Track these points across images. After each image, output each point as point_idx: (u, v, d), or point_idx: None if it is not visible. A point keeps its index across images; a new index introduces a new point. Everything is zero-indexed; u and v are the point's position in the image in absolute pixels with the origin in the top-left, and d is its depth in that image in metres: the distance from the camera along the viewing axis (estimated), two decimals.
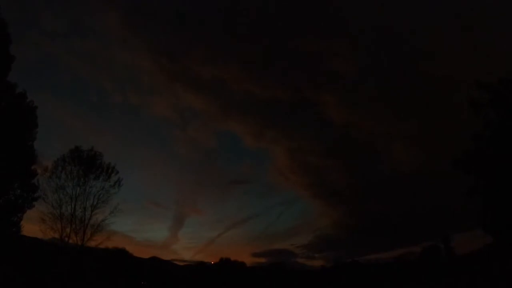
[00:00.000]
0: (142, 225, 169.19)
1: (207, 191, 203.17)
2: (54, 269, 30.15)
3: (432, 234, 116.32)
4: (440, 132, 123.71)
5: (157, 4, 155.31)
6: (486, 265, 37.98)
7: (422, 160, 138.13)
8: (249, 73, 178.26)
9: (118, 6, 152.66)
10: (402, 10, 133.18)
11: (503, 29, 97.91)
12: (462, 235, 72.84)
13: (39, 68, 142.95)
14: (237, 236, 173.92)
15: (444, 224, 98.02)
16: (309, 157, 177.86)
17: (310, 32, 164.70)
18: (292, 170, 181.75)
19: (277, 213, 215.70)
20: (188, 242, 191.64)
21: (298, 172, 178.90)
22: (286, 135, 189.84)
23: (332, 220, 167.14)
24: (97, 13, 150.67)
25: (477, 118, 23.71)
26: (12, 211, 20.20)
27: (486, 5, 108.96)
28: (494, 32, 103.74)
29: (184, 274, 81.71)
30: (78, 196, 31.65)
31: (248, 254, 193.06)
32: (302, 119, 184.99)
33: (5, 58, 19.43)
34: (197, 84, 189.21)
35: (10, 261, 24.24)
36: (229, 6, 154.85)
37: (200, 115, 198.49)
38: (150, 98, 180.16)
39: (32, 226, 29.51)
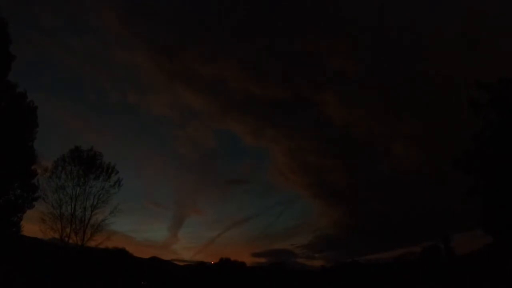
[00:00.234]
0: (142, 225, 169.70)
1: (206, 191, 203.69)
2: (54, 269, 30.13)
3: (432, 234, 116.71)
4: (440, 132, 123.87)
5: (156, 3, 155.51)
6: (486, 265, 37.97)
7: (422, 160, 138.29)
8: (249, 72, 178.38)
9: (117, 5, 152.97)
10: (403, 10, 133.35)
11: (503, 29, 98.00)
12: (462, 235, 72.86)
13: (38, 67, 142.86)
14: (237, 236, 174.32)
15: (444, 224, 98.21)
16: (309, 157, 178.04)
17: (310, 32, 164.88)
18: (292, 170, 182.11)
19: (277, 213, 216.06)
20: (188, 242, 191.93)
21: (298, 172, 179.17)
22: (286, 135, 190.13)
23: (332, 220, 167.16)
24: (96, 12, 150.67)
25: (477, 118, 23.73)
26: (12, 211, 20.20)
27: (486, 5, 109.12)
28: (494, 32, 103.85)
29: (184, 274, 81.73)
30: (78, 196, 31.70)
31: (248, 254, 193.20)
32: (302, 119, 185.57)
33: (5, 58, 19.42)
34: (196, 83, 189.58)
35: (10, 261, 24.23)
36: (229, 6, 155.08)
37: (199, 114, 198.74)
38: (149, 97, 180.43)
39: (32, 226, 29.55)
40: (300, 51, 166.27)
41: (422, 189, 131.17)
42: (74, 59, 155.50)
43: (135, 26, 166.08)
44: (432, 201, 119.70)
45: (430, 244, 66.91)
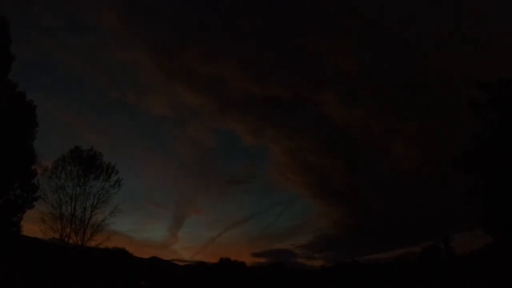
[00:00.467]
0: (142, 225, 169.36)
1: (206, 190, 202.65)
2: (54, 269, 30.14)
3: (432, 234, 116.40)
4: (440, 132, 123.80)
5: (156, 3, 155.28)
6: (486, 265, 37.98)
7: (422, 160, 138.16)
8: (248, 72, 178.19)
9: (117, 5, 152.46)
10: (403, 10, 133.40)
11: (503, 29, 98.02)
12: (462, 235, 73.05)
13: (37, 67, 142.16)
14: (237, 236, 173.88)
15: (444, 224, 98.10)
16: (309, 156, 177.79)
17: (310, 31, 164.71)
18: (292, 169, 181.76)
19: (277, 213, 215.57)
20: (188, 242, 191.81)
21: (298, 172, 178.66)
22: (286, 135, 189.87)
23: (332, 220, 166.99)
24: (95, 11, 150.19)
25: (477, 118, 23.74)
26: (12, 211, 20.22)
27: (486, 5, 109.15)
28: (494, 32, 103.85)
29: (184, 274, 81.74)
30: (78, 196, 31.72)
31: (248, 254, 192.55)
32: (302, 119, 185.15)
33: (6, 58, 19.43)
34: (196, 83, 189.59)
35: (10, 261, 24.24)
36: (229, 5, 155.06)
37: (199, 114, 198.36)
38: (149, 97, 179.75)
39: (32, 226, 29.56)
40: (300, 51, 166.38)
41: (422, 189, 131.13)
42: (74, 59, 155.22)
43: (135, 26, 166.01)
44: (432, 201, 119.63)
45: (430, 244, 66.99)
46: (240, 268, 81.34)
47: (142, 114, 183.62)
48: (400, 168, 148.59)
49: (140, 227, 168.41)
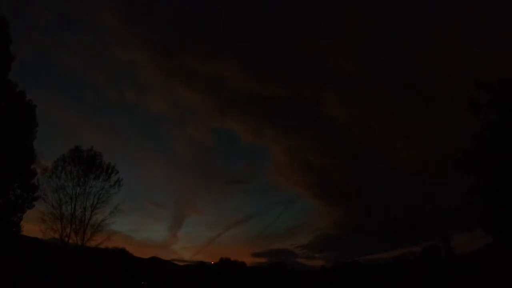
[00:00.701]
0: (142, 225, 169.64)
1: (206, 190, 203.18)
2: (54, 269, 30.14)
3: (432, 234, 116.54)
4: (440, 132, 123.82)
5: (155, 2, 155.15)
6: (486, 265, 37.99)
7: (422, 160, 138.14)
8: (248, 71, 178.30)
9: (116, 4, 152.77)
10: (403, 10, 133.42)
11: (503, 29, 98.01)
12: (462, 235, 73.02)
13: (36, 66, 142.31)
14: (237, 236, 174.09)
15: (444, 224, 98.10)
16: (309, 156, 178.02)
17: (311, 30, 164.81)
18: (292, 169, 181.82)
19: (277, 213, 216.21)
20: (188, 242, 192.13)
21: (298, 172, 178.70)
22: (286, 134, 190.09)
23: (332, 220, 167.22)
24: (95, 10, 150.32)
25: (477, 118, 23.74)
26: (12, 211, 20.20)
27: (486, 5, 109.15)
28: (494, 32, 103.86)
29: (184, 274, 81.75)
30: (78, 196, 31.70)
31: (248, 254, 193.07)
32: (302, 119, 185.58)
33: (6, 58, 19.42)
34: (196, 82, 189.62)
35: (10, 261, 24.23)
36: (229, 5, 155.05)
37: (199, 113, 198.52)
38: (149, 97, 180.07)
39: (32, 226, 29.53)
40: (300, 50, 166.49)
41: (422, 189, 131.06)
42: (74, 59, 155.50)
43: (134, 25, 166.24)
44: (432, 201, 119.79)
45: (430, 244, 67.00)
46: (240, 268, 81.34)
47: (142, 113, 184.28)
48: (400, 168, 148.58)
49: (140, 227, 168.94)
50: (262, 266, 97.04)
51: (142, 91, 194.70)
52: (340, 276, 74.03)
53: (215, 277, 73.34)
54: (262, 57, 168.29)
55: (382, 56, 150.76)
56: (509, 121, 22.36)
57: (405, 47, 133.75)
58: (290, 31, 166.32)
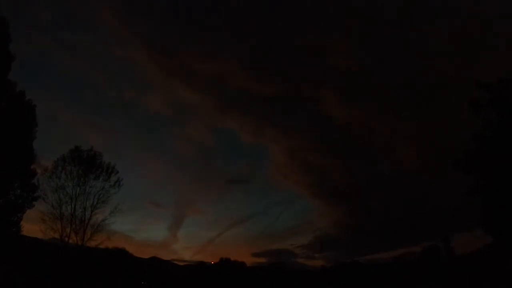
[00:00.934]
0: (142, 225, 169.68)
1: (206, 190, 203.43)
2: (54, 269, 30.14)
3: (432, 234, 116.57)
4: (440, 132, 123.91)
5: (155, 1, 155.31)
6: (486, 265, 37.99)
7: (422, 160, 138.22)
8: (248, 70, 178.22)
9: (116, 3, 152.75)
10: (404, 10, 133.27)
11: (503, 29, 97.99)
12: (462, 235, 73.03)
13: (35, 65, 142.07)
14: (237, 236, 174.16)
15: (444, 224, 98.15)
16: (309, 156, 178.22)
17: (311, 30, 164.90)
18: (292, 169, 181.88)
19: (276, 213, 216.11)
20: (188, 242, 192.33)
21: (298, 172, 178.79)
22: (286, 134, 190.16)
23: (332, 220, 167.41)
24: (92, 8, 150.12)
25: (477, 118, 23.72)
26: (12, 211, 20.19)
27: (486, 5, 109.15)
28: (495, 32, 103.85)
29: (184, 274, 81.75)
30: (78, 196, 31.72)
31: (248, 254, 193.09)
32: (302, 118, 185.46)
33: (5, 57, 19.41)
34: (196, 82, 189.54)
35: (10, 261, 24.23)
36: (229, 4, 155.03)
37: (199, 113, 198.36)
38: (149, 96, 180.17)
39: (32, 226, 29.57)
40: (300, 50, 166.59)
41: (422, 189, 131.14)
42: (74, 58, 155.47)
43: (134, 25, 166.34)
44: (432, 201, 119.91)
45: (430, 244, 67.02)
46: (240, 268, 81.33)
47: (142, 113, 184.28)
48: (400, 168, 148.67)
49: (140, 227, 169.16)
50: (262, 266, 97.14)
51: (142, 91, 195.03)
52: (340, 276, 74.02)
53: (215, 277, 73.33)
54: (262, 57, 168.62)
55: (382, 56, 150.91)
56: (509, 121, 22.34)
57: (405, 47, 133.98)
58: (290, 31, 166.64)
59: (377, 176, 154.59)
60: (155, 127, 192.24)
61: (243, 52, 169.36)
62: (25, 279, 26.45)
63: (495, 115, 23.12)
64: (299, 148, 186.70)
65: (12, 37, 19.74)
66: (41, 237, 31.24)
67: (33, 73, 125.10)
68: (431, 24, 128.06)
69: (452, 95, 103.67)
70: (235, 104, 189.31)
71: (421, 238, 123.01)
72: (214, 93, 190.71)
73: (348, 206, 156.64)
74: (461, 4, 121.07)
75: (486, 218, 23.44)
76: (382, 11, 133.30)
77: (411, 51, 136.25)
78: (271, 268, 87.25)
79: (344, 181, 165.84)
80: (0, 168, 19.16)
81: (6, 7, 19.80)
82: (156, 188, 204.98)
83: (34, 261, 30.43)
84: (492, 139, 23.01)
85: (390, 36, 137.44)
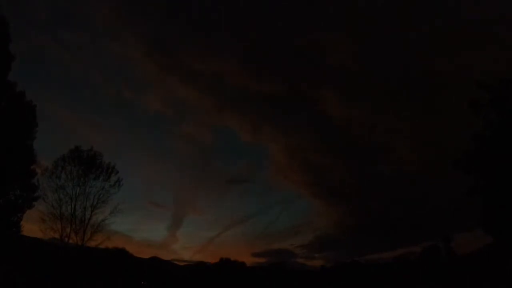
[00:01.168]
0: (142, 225, 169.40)
1: (206, 190, 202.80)
2: (54, 269, 30.14)
3: (432, 234, 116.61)
4: (440, 132, 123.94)
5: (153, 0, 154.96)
6: (486, 265, 38.00)
7: (422, 160, 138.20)
8: (248, 69, 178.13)
9: (114, 2, 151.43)
10: (404, 9, 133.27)
11: (503, 29, 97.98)
12: (462, 235, 73.03)
13: (34, 65, 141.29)
14: (237, 236, 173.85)
15: (444, 224, 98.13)
16: (309, 156, 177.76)
17: (311, 30, 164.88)
18: (291, 169, 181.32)
19: (276, 213, 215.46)
20: (188, 242, 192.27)
21: (298, 171, 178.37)
22: (286, 134, 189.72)
23: (332, 220, 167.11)
24: (91, 7, 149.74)
25: (477, 118, 23.72)
26: (12, 211, 20.20)
27: (486, 5, 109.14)
28: (494, 32, 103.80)
29: (184, 274, 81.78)
30: (78, 196, 31.76)
31: (248, 254, 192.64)
32: (301, 118, 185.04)
33: (5, 58, 19.41)
34: (195, 80, 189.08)
35: (10, 261, 24.23)
36: (229, 4, 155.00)
37: (198, 112, 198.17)
38: (149, 96, 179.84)
39: (32, 226, 29.60)
40: (301, 50, 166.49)
41: (422, 189, 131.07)
42: (73, 58, 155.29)
43: (133, 23, 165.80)
44: (432, 201, 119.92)
45: (430, 244, 67.01)
46: (240, 268, 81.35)
47: (141, 113, 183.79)
48: (400, 168, 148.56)
49: (140, 227, 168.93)
50: (262, 266, 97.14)
51: (142, 90, 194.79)
52: (340, 276, 74.04)
53: (215, 277, 73.34)
54: (262, 56, 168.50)
55: (382, 56, 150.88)
56: (509, 121, 22.34)
57: (405, 47, 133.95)
58: (290, 31, 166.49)
59: (377, 176, 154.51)
60: (154, 126, 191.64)
61: (243, 52, 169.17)
62: (25, 279, 26.45)
63: (495, 115, 23.13)
64: (299, 148, 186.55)
65: (12, 37, 19.76)
66: (41, 237, 31.33)
67: (33, 73, 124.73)
68: (431, 24, 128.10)
69: (452, 95, 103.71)
70: (235, 104, 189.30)
71: (421, 238, 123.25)
72: (214, 93, 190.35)
73: (348, 206, 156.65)
74: (461, 4, 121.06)
75: (486, 218, 23.43)
76: (382, 11, 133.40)
77: (411, 51, 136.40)
78: (271, 268, 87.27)
79: (344, 181, 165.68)
80: (0, 168, 19.15)
81: (6, 7, 19.69)
82: (156, 188, 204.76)
83: (34, 261, 30.44)
84: (492, 139, 23.01)
85: (390, 36, 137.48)
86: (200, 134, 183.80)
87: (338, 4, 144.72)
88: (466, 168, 23.95)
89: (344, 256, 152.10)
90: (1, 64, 19.16)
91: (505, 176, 21.89)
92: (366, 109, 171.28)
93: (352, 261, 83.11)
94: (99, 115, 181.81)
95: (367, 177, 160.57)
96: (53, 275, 29.60)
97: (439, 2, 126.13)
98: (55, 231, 30.22)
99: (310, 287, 74.28)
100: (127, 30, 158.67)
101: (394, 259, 75.00)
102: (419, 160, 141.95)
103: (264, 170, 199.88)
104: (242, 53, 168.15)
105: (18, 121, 20.13)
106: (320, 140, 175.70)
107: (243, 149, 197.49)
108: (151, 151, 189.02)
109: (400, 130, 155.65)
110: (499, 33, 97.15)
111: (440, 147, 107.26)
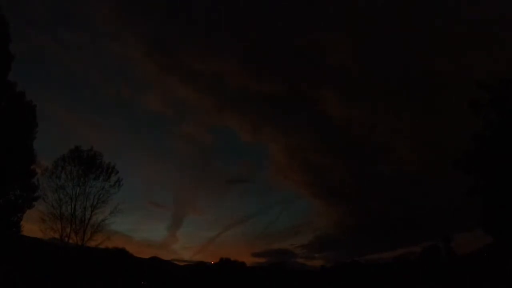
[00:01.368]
0: (142, 225, 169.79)
1: (206, 190, 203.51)
2: (54, 269, 30.14)
3: (432, 234, 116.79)
4: (440, 132, 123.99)
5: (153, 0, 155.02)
6: (486, 265, 38.03)
7: (422, 160, 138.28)
8: (248, 69, 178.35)
9: (114, 2, 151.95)
10: (404, 9, 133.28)
11: (503, 29, 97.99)
12: (462, 235, 73.25)
13: (33, 65, 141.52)
14: (237, 236, 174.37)
15: (444, 224, 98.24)
16: (309, 156, 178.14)
17: (311, 30, 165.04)
18: (291, 168, 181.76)
19: (276, 213, 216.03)
20: (188, 242, 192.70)
21: (298, 171, 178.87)
22: (286, 134, 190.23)
23: (332, 220, 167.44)
24: (91, 7, 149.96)
25: (477, 118, 23.72)
26: (12, 211, 20.19)
27: (486, 5, 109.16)
28: (494, 32, 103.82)
29: (184, 274, 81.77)
30: (78, 196, 31.72)
31: (248, 254, 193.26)
32: (301, 118, 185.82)
33: (5, 58, 19.40)
34: (195, 80, 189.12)
35: (10, 261, 24.23)
36: (229, 4, 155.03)
37: (198, 112, 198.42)
38: (148, 95, 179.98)
39: (32, 226, 29.57)
40: (301, 50, 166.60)
41: (422, 189, 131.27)
42: (73, 58, 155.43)
43: (133, 23, 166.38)
44: (432, 201, 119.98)
45: (430, 244, 67.09)
46: (240, 268, 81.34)
47: (141, 113, 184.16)
48: (400, 168, 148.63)
49: (140, 227, 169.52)
50: (262, 266, 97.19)
51: (142, 90, 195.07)
52: (340, 276, 74.04)
53: (215, 277, 73.33)
54: (262, 56, 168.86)
55: (382, 56, 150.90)
56: (509, 121, 22.34)
57: (405, 47, 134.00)
58: (290, 30, 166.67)
59: (377, 176, 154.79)
60: (154, 126, 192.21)
61: (243, 52, 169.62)
62: (25, 279, 26.45)
63: (495, 115, 23.12)
64: (299, 148, 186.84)
65: (12, 37, 19.74)
66: (41, 237, 31.30)
67: (33, 73, 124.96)
68: (431, 24, 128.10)
69: (452, 95, 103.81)
70: (235, 104, 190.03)
71: (421, 238, 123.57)
72: (213, 93, 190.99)
73: (348, 206, 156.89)
74: (461, 4, 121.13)
75: (486, 218, 23.43)
76: (382, 11, 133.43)
77: (411, 51, 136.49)
78: (271, 268, 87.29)
79: (344, 181, 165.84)
80: (0, 168, 19.15)
81: (6, 7, 19.66)
82: (156, 188, 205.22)
83: (34, 261, 30.43)
84: (492, 139, 23.00)
85: (390, 36, 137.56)
86: (200, 134, 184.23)
87: (338, 4, 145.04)
88: (466, 168, 23.94)
89: (344, 256, 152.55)
90: (1, 64, 19.14)
91: (505, 176, 21.88)
92: (366, 109, 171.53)
93: (352, 261, 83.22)
94: (99, 115, 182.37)
95: (367, 177, 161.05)
96: (53, 275, 29.59)
97: (439, 2, 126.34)
98: (55, 231, 30.23)
99: (310, 287, 74.28)
100: (127, 30, 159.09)
101: (394, 259, 75.13)
102: (419, 160, 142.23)
103: (264, 170, 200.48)
104: (242, 53, 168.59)
105: (18, 121, 20.10)
106: (320, 140, 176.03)
107: (243, 149, 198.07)
108: (151, 151, 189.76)
109: (400, 130, 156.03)
110: (499, 33, 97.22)
111: (440, 147, 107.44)
